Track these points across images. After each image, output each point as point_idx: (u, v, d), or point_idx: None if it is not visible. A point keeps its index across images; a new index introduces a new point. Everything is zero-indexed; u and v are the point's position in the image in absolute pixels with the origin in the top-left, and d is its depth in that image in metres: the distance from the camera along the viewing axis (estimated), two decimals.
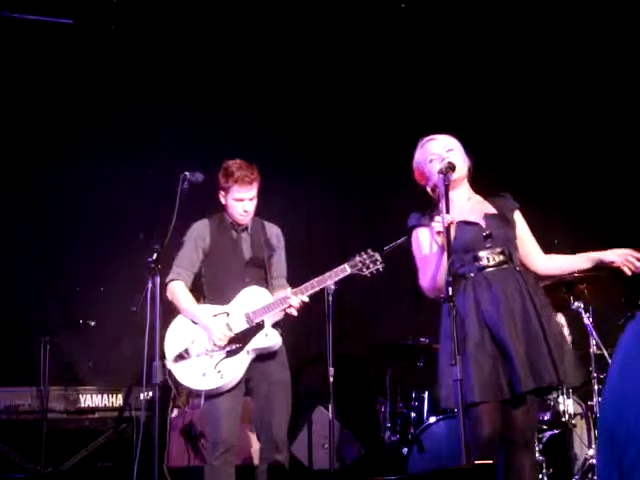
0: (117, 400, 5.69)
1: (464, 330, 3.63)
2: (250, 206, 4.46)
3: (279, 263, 4.61)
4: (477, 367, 3.58)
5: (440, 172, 3.70)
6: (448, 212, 3.57)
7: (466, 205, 3.88)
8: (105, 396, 5.68)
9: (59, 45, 6.51)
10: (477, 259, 3.75)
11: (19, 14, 6.29)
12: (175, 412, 5.63)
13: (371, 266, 4.43)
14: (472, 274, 3.70)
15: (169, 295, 4.41)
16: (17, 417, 5.39)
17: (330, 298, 5.39)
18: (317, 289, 4.37)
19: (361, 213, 7.33)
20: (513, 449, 3.72)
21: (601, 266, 3.89)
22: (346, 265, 4.39)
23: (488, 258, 3.76)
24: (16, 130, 6.47)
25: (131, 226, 6.42)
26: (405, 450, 5.41)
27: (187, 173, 4.23)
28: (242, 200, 4.42)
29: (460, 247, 3.71)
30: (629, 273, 3.82)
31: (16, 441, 5.36)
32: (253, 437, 5.45)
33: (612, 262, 3.84)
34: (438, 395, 3.74)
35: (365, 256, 4.43)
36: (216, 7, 6.61)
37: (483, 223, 3.82)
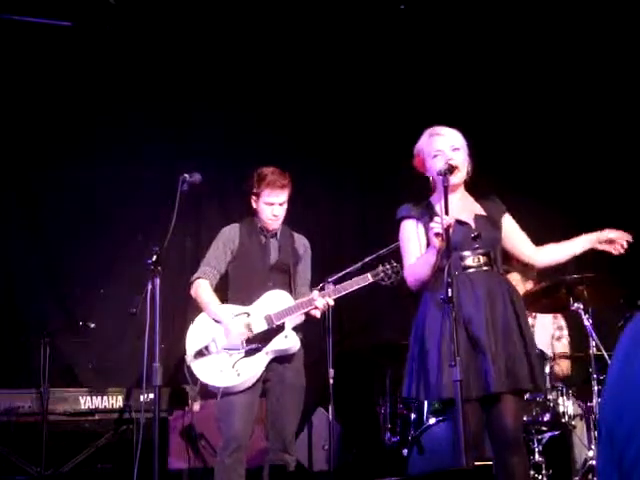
0: (117, 402, 5.68)
1: (442, 326, 3.65)
2: (280, 210, 4.58)
3: (304, 272, 4.74)
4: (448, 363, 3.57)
5: (439, 174, 3.70)
6: (447, 213, 3.58)
7: (457, 204, 3.88)
8: (105, 398, 5.67)
9: (58, 47, 6.51)
10: (462, 259, 3.76)
11: (18, 16, 6.29)
12: (175, 413, 5.63)
13: (393, 277, 4.63)
14: (456, 272, 3.70)
15: (193, 292, 4.54)
16: (17, 419, 5.38)
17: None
18: (341, 294, 4.53)
19: (358, 213, 7.33)
20: (503, 450, 3.73)
21: (594, 248, 3.93)
22: (368, 274, 4.59)
23: (474, 259, 3.79)
24: (15, 131, 6.47)
25: (130, 228, 6.42)
26: (405, 451, 5.41)
27: (186, 175, 4.24)
28: (272, 204, 4.54)
29: (450, 245, 3.71)
30: (615, 253, 3.89)
31: (16, 443, 5.35)
32: (260, 438, 5.47)
33: (609, 240, 3.90)
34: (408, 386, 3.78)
35: (388, 266, 4.63)
36: (214, 7, 6.61)
37: (473, 224, 3.83)
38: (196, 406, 5.55)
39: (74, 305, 6.38)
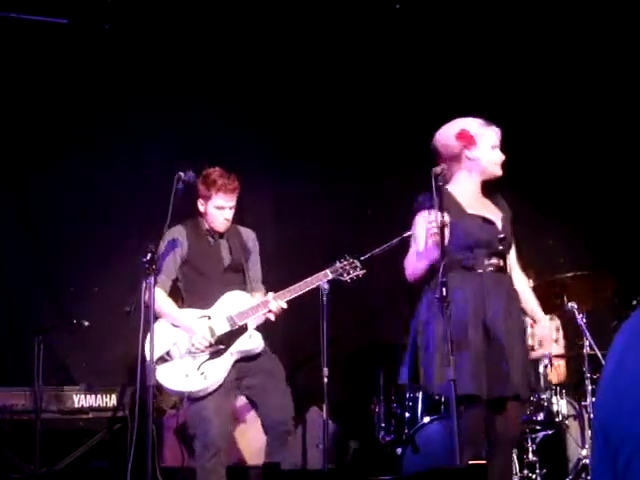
0: (111, 400, 5.67)
1: (463, 323, 3.66)
2: (230, 214, 4.52)
3: (255, 266, 4.69)
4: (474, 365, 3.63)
5: (436, 174, 3.71)
6: (442, 211, 3.59)
7: (477, 199, 3.90)
8: (99, 396, 5.66)
9: (55, 45, 6.50)
10: (489, 257, 3.78)
11: (14, 13, 6.28)
12: (168, 412, 5.62)
13: (351, 272, 4.58)
14: (480, 270, 3.73)
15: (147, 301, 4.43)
16: (11, 417, 5.37)
17: (324, 298, 5.39)
18: (297, 294, 4.47)
19: (352, 213, 7.32)
20: (503, 451, 3.77)
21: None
22: (327, 270, 4.53)
23: (497, 260, 3.81)
24: (11, 129, 6.45)
25: (125, 226, 6.41)
26: (399, 450, 5.41)
27: (181, 173, 4.25)
28: (223, 208, 4.48)
29: (474, 242, 3.75)
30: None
31: (10, 441, 5.34)
32: (241, 437, 5.46)
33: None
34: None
35: (345, 262, 4.57)
36: (211, 6, 6.61)
37: (500, 225, 3.86)
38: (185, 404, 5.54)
39: (68, 303, 6.37)
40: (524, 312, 4.03)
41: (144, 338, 4.03)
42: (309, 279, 4.46)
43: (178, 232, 4.54)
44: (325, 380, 5.23)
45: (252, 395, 4.49)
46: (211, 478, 4.28)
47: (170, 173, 4.28)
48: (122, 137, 6.57)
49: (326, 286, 4.96)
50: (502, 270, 3.85)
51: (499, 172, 3.92)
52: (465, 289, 3.72)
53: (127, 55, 6.69)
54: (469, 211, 3.83)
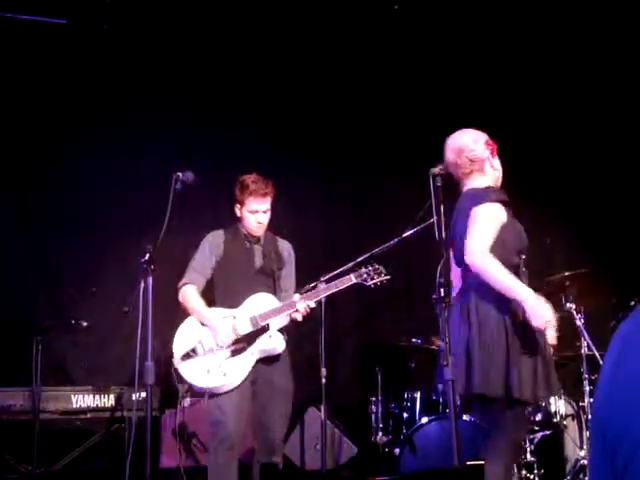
0: (109, 400, 5.68)
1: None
2: (264, 218, 4.64)
3: (289, 277, 4.80)
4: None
5: (434, 174, 3.73)
6: (438, 212, 3.61)
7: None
8: (97, 396, 5.66)
9: (53, 45, 6.50)
10: (523, 264, 3.82)
11: (13, 14, 6.28)
12: (167, 412, 5.63)
13: (375, 277, 4.66)
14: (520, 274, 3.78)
15: (180, 297, 4.60)
16: (9, 417, 5.37)
17: (323, 299, 5.40)
18: (324, 296, 4.64)
19: (351, 213, 7.33)
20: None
21: None
22: (352, 275, 4.63)
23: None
24: (11, 129, 6.46)
25: (124, 227, 6.41)
26: (397, 450, 5.41)
27: (179, 173, 4.24)
28: (256, 212, 4.60)
29: (515, 248, 3.79)
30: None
31: (8, 441, 5.34)
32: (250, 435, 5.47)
33: None
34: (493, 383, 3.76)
35: (370, 268, 4.67)
36: (211, 6, 6.61)
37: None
38: (186, 402, 5.56)
39: (67, 304, 6.37)
40: None
41: (144, 337, 4.04)
42: (333, 283, 4.60)
43: (218, 235, 4.72)
44: (323, 381, 5.24)
45: (255, 401, 4.55)
46: (223, 473, 4.35)
47: (169, 173, 4.28)
48: (121, 137, 6.57)
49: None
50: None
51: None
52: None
53: (126, 55, 6.70)
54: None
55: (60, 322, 6.07)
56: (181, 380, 4.44)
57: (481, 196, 3.83)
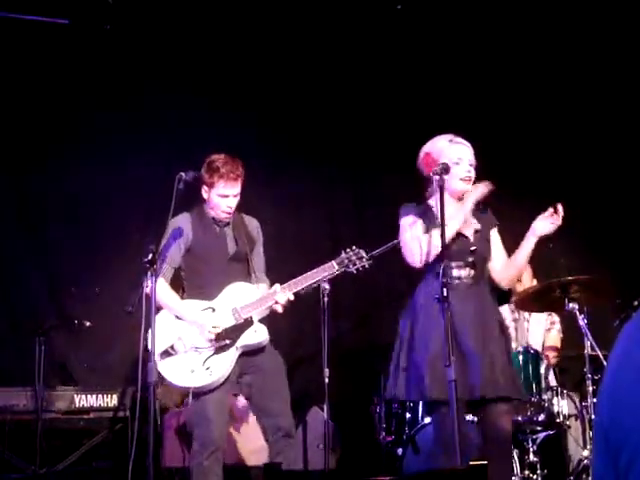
0: (112, 400, 5.67)
1: (433, 331, 3.72)
2: (234, 202, 4.40)
3: (259, 257, 4.59)
4: (432, 368, 3.71)
5: (435, 173, 3.74)
6: (443, 209, 3.63)
7: (455, 213, 3.93)
8: (100, 396, 5.66)
9: (55, 45, 6.50)
10: (458, 268, 3.81)
11: (15, 14, 6.28)
12: (169, 412, 5.62)
13: (357, 263, 4.45)
14: (451, 283, 3.77)
15: (149, 291, 4.28)
16: (12, 417, 5.37)
17: (325, 298, 5.39)
18: (305, 285, 4.39)
19: (352, 211, 7.33)
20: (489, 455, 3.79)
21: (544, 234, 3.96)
22: (333, 262, 4.42)
23: (465, 271, 3.84)
24: (12, 129, 6.46)
25: (127, 226, 6.41)
26: (400, 451, 5.41)
27: (182, 174, 4.23)
28: (227, 196, 4.36)
29: (446, 254, 3.75)
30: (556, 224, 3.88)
31: (11, 441, 5.34)
32: (241, 437, 5.45)
33: (550, 215, 3.94)
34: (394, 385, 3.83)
35: (351, 252, 4.46)
36: (213, 7, 6.61)
37: (472, 237, 3.89)
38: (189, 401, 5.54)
39: (70, 303, 6.37)
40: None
41: (145, 336, 4.01)
42: (315, 270, 4.37)
43: (184, 219, 4.44)
44: (326, 380, 5.23)
45: (250, 395, 4.42)
46: (208, 477, 4.21)
47: (171, 173, 4.27)
48: (122, 137, 6.57)
49: (327, 286, 4.95)
50: (474, 279, 3.88)
51: (464, 187, 3.94)
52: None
53: (128, 56, 6.69)
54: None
55: (63, 322, 6.07)
56: (162, 380, 4.24)
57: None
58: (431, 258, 3.81)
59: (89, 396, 5.65)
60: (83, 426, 5.60)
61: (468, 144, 4.00)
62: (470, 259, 3.87)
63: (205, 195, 4.42)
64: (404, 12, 6.79)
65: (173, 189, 4.19)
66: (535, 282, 5.89)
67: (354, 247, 4.48)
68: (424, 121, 6.82)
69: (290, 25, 6.83)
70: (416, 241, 3.86)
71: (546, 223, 3.88)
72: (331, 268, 4.40)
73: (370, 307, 6.99)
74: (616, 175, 7.00)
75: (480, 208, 4.04)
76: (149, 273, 4.00)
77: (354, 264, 4.44)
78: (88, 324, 5.82)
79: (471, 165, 3.94)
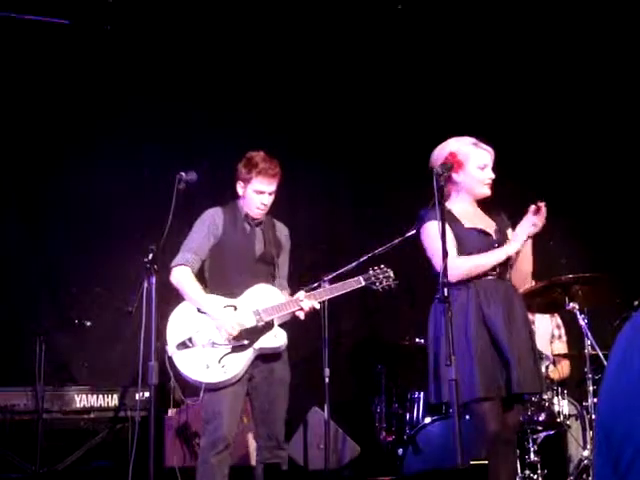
0: (113, 400, 5.67)
1: (467, 330, 3.77)
2: (269, 200, 4.41)
3: (284, 264, 4.59)
4: (481, 365, 3.72)
5: (438, 173, 3.75)
6: (442, 209, 3.64)
7: (475, 214, 4.03)
8: (100, 396, 5.66)
9: (55, 45, 6.50)
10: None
11: (16, 14, 6.28)
12: (170, 412, 5.62)
13: (384, 282, 4.53)
14: (477, 279, 3.85)
15: (174, 280, 4.34)
16: (12, 417, 5.38)
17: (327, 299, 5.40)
18: (329, 297, 4.44)
19: (354, 213, 7.33)
20: (506, 447, 3.79)
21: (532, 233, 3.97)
22: (360, 277, 4.47)
23: (494, 268, 3.88)
24: (12, 131, 6.46)
25: (127, 226, 6.41)
26: (400, 451, 5.41)
27: (182, 173, 4.22)
28: (263, 193, 4.37)
29: (470, 252, 3.87)
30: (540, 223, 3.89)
31: (11, 441, 5.34)
32: (249, 437, 5.45)
33: (534, 212, 3.96)
34: (437, 391, 3.83)
35: (379, 271, 4.53)
36: (213, 7, 6.62)
37: (494, 235, 3.92)
38: (189, 401, 5.53)
39: (70, 303, 6.37)
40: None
41: (147, 336, 4.02)
42: (341, 284, 4.41)
43: (216, 214, 4.44)
44: (326, 380, 5.23)
45: (253, 398, 4.42)
46: (214, 474, 4.18)
47: (171, 173, 4.27)
48: (123, 137, 6.57)
49: (327, 285, 4.95)
50: (501, 275, 3.93)
51: (486, 192, 4.03)
52: (464, 298, 3.82)
53: (128, 56, 6.70)
54: (467, 225, 3.94)
55: (63, 322, 6.08)
56: (176, 372, 4.21)
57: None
58: (468, 276, 3.85)
59: (89, 396, 5.65)
60: (83, 426, 5.60)
61: (491, 149, 4.07)
62: None
63: (240, 191, 4.44)
64: (405, 12, 6.80)
65: (173, 189, 4.18)
66: (533, 283, 5.88)
67: (382, 266, 4.55)
68: (425, 121, 6.82)
69: (292, 25, 6.83)
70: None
71: (527, 226, 3.90)
72: (357, 283, 4.45)
73: (371, 306, 6.99)
74: (616, 175, 7.00)
75: (494, 211, 4.10)
76: (149, 273, 4.00)
77: (380, 282, 4.51)
78: (89, 324, 5.82)
79: (493, 170, 4.00)
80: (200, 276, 4.43)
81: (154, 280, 4.01)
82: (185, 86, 6.81)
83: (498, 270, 3.91)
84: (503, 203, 4.16)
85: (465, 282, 3.84)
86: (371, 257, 4.93)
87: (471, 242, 3.88)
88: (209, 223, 4.41)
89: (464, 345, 3.74)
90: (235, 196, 4.51)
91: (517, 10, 6.74)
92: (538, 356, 4.04)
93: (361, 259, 4.96)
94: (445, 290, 3.50)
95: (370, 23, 6.87)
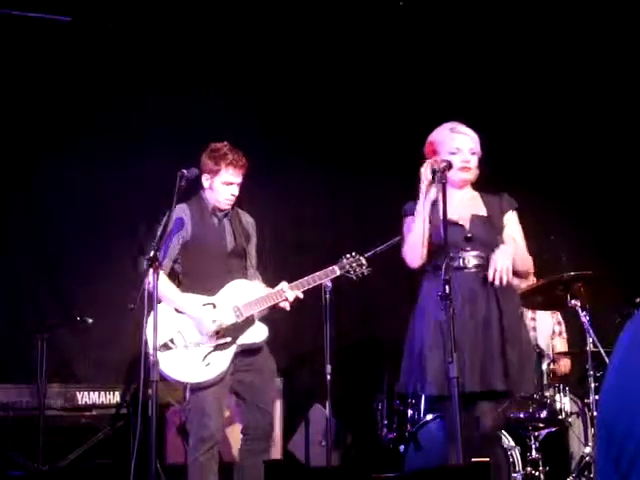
0: (114, 397, 5.68)
1: (430, 324, 3.76)
2: (237, 191, 4.40)
3: (252, 253, 4.59)
4: (431, 361, 3.70)
5: (434, 172, 3.73)
6: (445, 211, 3.61)
7: (459, 202, 3.90)
8: (102, 393, 5.67)
9: (57, 42, 6.50)
10: (453, 259, 3.76)
11: (16, 11, 6.28)
12: (172, 408, 5.62)
13: (357, 270, 4.49)
14: (452, 273, 3.76)
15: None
16: (14, 414, 5.38)
17: (327, 295, 5.40)
18: (309, 287, 4.42)
19: (352, 211, 7.33)
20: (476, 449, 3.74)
21: None
22: (335, 267, 4.46)
23: (464, 260, 3.79)
24: (15, 127, 6.46)
25: (128, 224, 6.40)
26: (402, 448, 5.41)
27: (184, 170, 4.21)
28: (232, 184, 4.37)
29: (438, 245, 3.75)
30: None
31: (13, 438, 5.35)
32: (237, 434, 5.46)
33: None
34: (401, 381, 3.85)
35: (351, 259, 4.50)
36: (215, 4, 6.61)
37: (468, 224, 3.83)
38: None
39: (72, 300, 6.38)
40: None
41: (146, 332, 4.02)
42: (317, 274, 4.39)
43: (182, 211, 4.39)
44: (328, 377, 5.23)
45: (240, 391, 4.41)
46: (204, 472, 4.20)
47: (172, 171, 4.27)
48: (124, 135, 6.57)
49: (329, 283, 4.96)
50: (476, 268, 3.82)
51: (464, 176, 3.89)
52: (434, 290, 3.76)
53: (130, 53, 6.69)
54: (440, 216, 3.75)
55: (65, 319, 6.08)
56: (160, 374, 4.11)
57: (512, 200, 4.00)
58: (413, 253, 3.82)
59: (91, 393, 5.66)
60: (85, 423, 5.61)
61: (470, 132, 3.94)
62: (468, 247, 3.81)
63: (207, 183, 4.41)
64: (406, 9, 6.79)
65: (175, 186, 4.18)
66: (534, 280, 5.88)
67: (354, 253, 4.52)
68: (426, 121, 6.81)
69: (293, 23, 6.83)
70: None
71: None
72: (333, 272, 4.45)
73: (372, 303, 6.99)
74: (618, 173, 7.00)
75: (495, 194, 4.00)
76: (151, 270, 3.99)
77: (354, 270, 4.49)
78: (90, 321, 5.82)
79: (473, 154, 3.90)
80: (173, 277, 4.41)
81: (156, 277, 4.01)
82: (187, 83, 6.81)
83: (477, 262, 3.81)
84: None
85: (435, 273, 3.77)
86: (372, 254, 4.92)
87: (438, 234, 3.73)
88: (175, 223, 4.34)
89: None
90: (200, 189, 4.47)
91: (517, 7, 6.73)
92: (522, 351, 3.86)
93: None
94: (447, 287, 3.49)
95: (372, 21, 6.86)
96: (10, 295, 6.34)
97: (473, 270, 3.81)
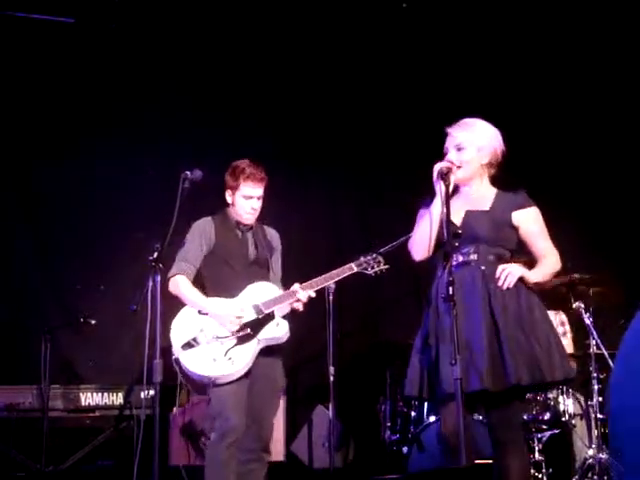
0: (118, 398, 5.69)
1: (437, 323, 3.76)
2: (258, 204, 4.54)
3: (277, 264, 4.70)
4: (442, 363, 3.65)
5: (443, 172, 3.73)
6: (449, 213, 3.62)
7: (464, 200, 3.89)
8: (106, 394, 5.68)
9: (61, 44, 6.51)
10: (444, 257, 3.75)
11: (20, 12, 6.30)
12: (175, 410, 5.63)
13: (375, 266, 4.59)
14: (439, 271, 3.78)
15: (172, 289, 4.45)
16: (17, 415, 5.39)
17: (331, 297, 5.42)
18: (324, 285, 4.51)
19: (356, 214, 7.33)
20: (500, 448, 3.69)
21: None
22: (352, 264, 4.53)
23: (454, 257, 3.77)
24: (17, 129, 6.47)
25: (131, 225, 6.42)
26: (405, 449, 5.41)
27: (187, 172, 4.22)
28: (251, 197, 4.50)
29: (437, 241, 3.79)
30: None
31: (16, 440, 5.36)
32: None
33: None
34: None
35: (369, 257, 4.60)
36: (217, 6, 6.62)
37: (460, 220, 3.82)
38: (194, 399, 5.53)
39: (75, 302, 6.39)
40: None
41: (152, 335, 4.03)
42: (334, 272, 4.48)
43: (207, 223, 4.58)
44: (331, 379, 5.23)
45: (248, 394, 4.43)
46: (224, 472, 4.21)
47: (175, 172, 4.27)
48: (127, 136, 6.58)
49: (332, 284, 4.97)
50: (467, 264, 3.76)
51: (457, 175, 3.83)
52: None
53: (133, 54, 6.70)
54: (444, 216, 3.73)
55: (68, 320, 6.09)
56: (183, 372, 4.29)
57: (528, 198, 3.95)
58: (417, 246, 3.84)
59: (95, 394, 5.67)
60: (89, 424, 5.62)
61: (455, 129, 3.89)
62: (456, 244, 3.79)
63: (229, 199, 4.57)
64: (410, 11, 6.79)
65: (178, 188, 4.19)
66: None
67: (373, 252, 4.63)
68: (429, 123, 6.81)
69: (296, 26, 6.83)
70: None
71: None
72: (350, 269, 4.52)
73: (376, 304, 6.99)
74: (621, 174, 6.99)
75: (511, 191, 3.97)
76: (154, 271, 4.01)
77: (372, 267, 4.58)
78: (93, 322, 5.83)
79: (460, 149, 3.86)
80: (198, 286, 4.51)
81: (159, 278, 4.02)
82: (191, 85, 6.82)
83: (460, 260, 3.76)
84: None
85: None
86: (383, 252, 4.92)
87: (441, 234, 3.74)
88: (201, 233, 4.54)
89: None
90: (224, 205, 4.60)
91: (521, 8, 6.72)
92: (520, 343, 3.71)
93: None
94: (450, 289, 3.48)
95: (375, 24, 6.86)
96: (14, 297, 6.35)
97: (465, 267, 3.78)
